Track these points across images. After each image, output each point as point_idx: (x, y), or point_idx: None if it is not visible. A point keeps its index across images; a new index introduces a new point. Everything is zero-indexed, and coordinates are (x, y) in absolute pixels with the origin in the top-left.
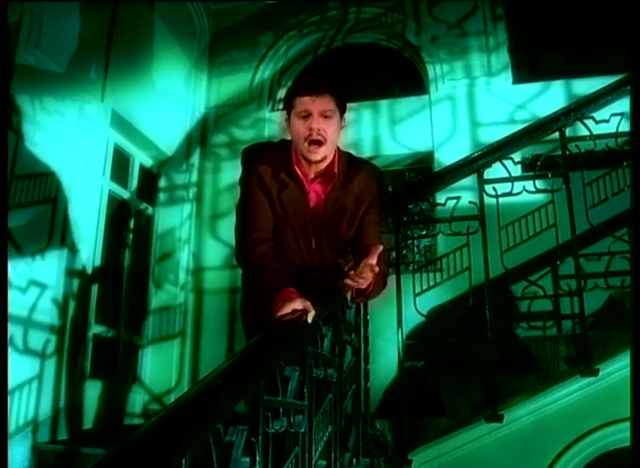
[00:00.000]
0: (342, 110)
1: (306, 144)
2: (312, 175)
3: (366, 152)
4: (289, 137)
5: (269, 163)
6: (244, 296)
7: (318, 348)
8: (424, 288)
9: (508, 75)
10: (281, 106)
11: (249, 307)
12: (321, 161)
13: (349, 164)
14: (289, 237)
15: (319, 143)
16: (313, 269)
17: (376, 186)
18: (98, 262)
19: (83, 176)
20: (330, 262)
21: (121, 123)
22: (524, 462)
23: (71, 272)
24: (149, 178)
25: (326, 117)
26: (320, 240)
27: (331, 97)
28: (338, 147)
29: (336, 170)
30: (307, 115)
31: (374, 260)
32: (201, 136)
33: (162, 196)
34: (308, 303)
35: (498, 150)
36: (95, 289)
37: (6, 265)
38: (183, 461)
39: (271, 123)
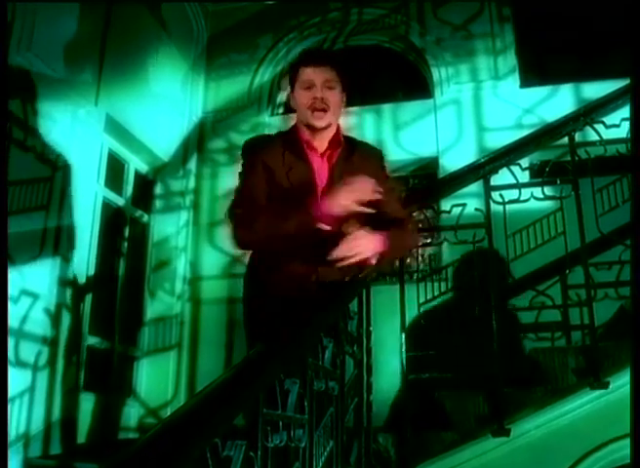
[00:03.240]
0: (344, 84)
1: (310, 112)
2: (323, 149)
3: None
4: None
5: (276, 150)
6: (249, 292)
7: (319, 360)
8: (429, 297)
9: (516, 78)
10: (281, 110)
11: (251, 314)
12: (326, 128)
13: (348, 141)
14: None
15: (323, 111)
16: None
17: (377, 164)
18: (91, 271)
19: (76, 183)
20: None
21: (116, 127)
22: None
23: (64, 281)
24: (145, 185)
25: (329, 88)
26: None
27: (332, 69)
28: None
29: (341, 138)
30: (311, 86)
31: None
32: (198, 142)
33: (158, 203)
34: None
35: (505, 156)
36: (88, 299)
37: (6, 276)
38: None
39: (271, 127)
